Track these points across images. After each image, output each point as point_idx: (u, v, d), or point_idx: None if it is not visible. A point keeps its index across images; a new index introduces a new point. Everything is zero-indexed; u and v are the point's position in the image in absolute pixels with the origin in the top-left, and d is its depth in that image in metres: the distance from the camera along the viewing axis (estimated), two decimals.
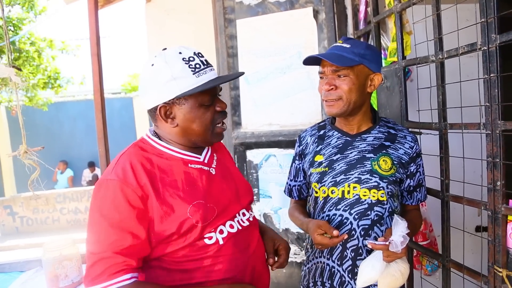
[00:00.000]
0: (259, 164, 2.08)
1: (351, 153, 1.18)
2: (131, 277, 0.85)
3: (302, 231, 1.96)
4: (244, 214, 1.02)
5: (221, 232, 0.93)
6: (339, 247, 1.16)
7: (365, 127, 1.21)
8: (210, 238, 0.91)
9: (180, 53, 0.90)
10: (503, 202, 1.07)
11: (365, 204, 1.14)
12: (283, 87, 2.00)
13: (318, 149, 1.23)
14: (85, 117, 8.87)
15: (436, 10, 1.28)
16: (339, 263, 1.16)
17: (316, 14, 1.92)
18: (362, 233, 1.14)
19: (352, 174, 1.15)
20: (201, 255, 0.90)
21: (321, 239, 1.07)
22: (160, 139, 0.97)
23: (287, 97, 2.00)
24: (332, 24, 1.89)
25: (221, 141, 1.07)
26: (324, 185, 1.18)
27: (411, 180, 1.22)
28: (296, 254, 2.03)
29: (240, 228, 0.98)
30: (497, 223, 1.08)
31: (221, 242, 0.92)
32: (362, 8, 1.87)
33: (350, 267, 1.15)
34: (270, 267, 1.07)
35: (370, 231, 1.14)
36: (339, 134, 1.22)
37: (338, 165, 1.17)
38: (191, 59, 0.90)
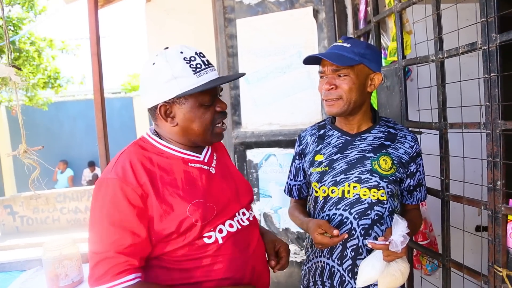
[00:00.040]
0: (259, 164, 2.08)
1: (351, 152, 1.18)
2: (135, 277, 0.85)
3: (302, 231, 1.96)
4: (244, 214, 1.02)
5: (221, 231, 0.93)
6: (339, 246, 1.16)
7: (365, 127, 1.21)
8: (210, 237, 0.91)
9: (181, 52, 0.90)
10: (503, 201, 1.07)
11: (365, 203, 1.14)
12: (283, 87, 2.00)
13: (318, 148, 1.23)
14: (85, 116, 8.87)
15: (436, 10, 1.28)
16: (339, 262, 1.16)
17: (316, 13, 1.92)
18: (362, 232, 1.14)
19: (352, 174, 1.15)
20: (200, 254, 0.90)
21: (321, 239, 1.07)
22: (160, 138, 0.97)
23: (287, 97, 2.00)
24: (332, 24, 1.89)
25: (221, 141, 1.07)
26: (324, 184, 1.18)
27: (411, 180, 1.22)
28: (296, 253, 2.03)
29: (239, 227, 0.98)
30: (497, 222, 1.08)
31: (220, 241, 0.92)
32: (362, 7, 1.86)
33: (350, 267, 1.15)
34: (271, 269, 1.07)
35: (370, 231, 1.14)
36: (339, 133, 1.22)
37: (338, 164, 1.17)
38: (192, 58, 0.90)
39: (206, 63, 0.93)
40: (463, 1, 1.28)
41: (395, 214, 1.05)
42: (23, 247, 5.55)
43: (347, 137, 1.20)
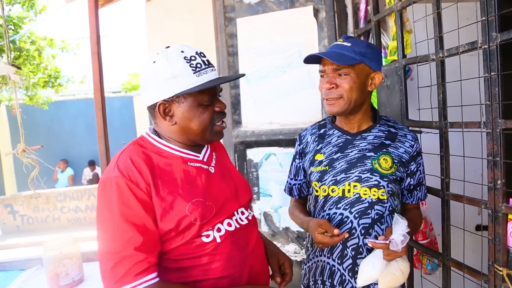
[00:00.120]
0: (259, 163, 2.08)
1: (351, 151, 1.18)
2: (156, 276, 0.85)
3: (302, 230, 1.96)
4: (242, 213, 1.02)
5: (219, 230, 0.94)
6: (339, 245, 1.16)
7: (365, 126, 1.21)
8: (208, 236, 0.91)
9: (182, 51, 0.90)
10: (503, 201, 1.07)
11: (365, 202, 1.14)
12: (283, 86, 2.00)
13: (318, 147, 1.23)
14: (86, 116, 8.88)
15: (436, 9, 1.27)
16: (339, 261, 1.16)
17: (316, 12, 1.92)
18: (363, 231, 1.14)
19: (353, 173, 1.15)
20: (198, 253, 0.90)
21: (321, 238, 1.07)
22: (160, 137, 0.97)
23: (288, 96, 2.00)
24: (333, 23, 1.89)
25: (222, 140, 1.07)
26: (324, 183, 1.18)
27: (412, 179, 1.22)
28: (297, 252, 2.03)
29: (238, 226, 0.98)
30: (498, 221, 1.08)
31: (218, 240, 0.92)
32: (362, 6, 1.86)
33: (351, 266, 1.15)
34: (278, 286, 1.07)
35: (371, 230, 1.14)
36: (340, 132, 1.22)
37: (339, 163, 1.17)
38: (193, 58, 0.90)
39: (207, 63, 0.93)
40: (464, 0, 1.28)
41: (395, 213, 1.05)
42: (24, 246, 5.55)
43: (348, 136, 1.20)
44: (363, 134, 1.20)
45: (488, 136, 1.09)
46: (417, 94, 1.49)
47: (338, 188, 1.16)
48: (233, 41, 2.07)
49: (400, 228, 1.00)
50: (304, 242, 1.96)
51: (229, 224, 0.96)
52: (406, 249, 1.03)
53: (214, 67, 0.95)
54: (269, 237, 2.09)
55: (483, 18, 1.05)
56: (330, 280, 1.18)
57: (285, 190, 1.39)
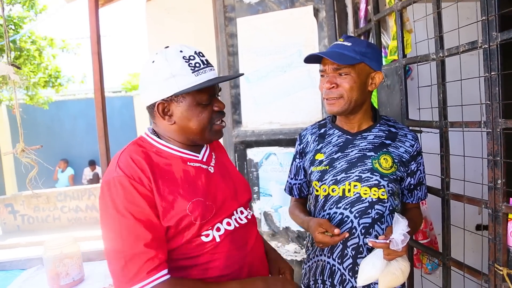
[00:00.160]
0: (260, 163, 2.08)
1: (351, 151, 1.18)
2: (167, 272, 0.84)
3: (302, 229, 1.97)
4: (242, 212, 1.03)
5: (218, 229, 0.94)
6: (339, 245, 1.16)
7: (365, 126, 1.21)
8: (207, 235, 0.92)
9: (181, 51, 0.91)
10: (503, 200, 1.07)
11: (365, 202, 1.14)
12: (283, 86, 2.00)
13: (318, 147, 1.23)
14: (86, 115, 8.88)
15: (436, 8, 1.27)
16: (339, 261, 1.16)
17: (316, 12, 1.92)
18: (363, 231, 1.14)
19: (353, 173, 1.15)
20: (197, 253, 0.90)
21: (322, 237, 1.07)
22: (159, 137, 0.98)
23: (288, 96, 2.00)
24: (333, 23, 1.89)
25: (222, 139, 1.07)
26: (324, 183, 1.18)
27: (412, 179, 1.22)
28: (297, 252, 2.03)
29: (237, 225, 0.98)
30: (498, 221, 1.08)
31: (217, 239, 0.92)
32: (362, 6, 1.86)
33: (351, 265, 1.15)
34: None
35: (371, 229, 1.14)
36: (340, 132, 1.22)
37: (339, 163, 1.17)
38: (191, 58, 0.91)
39: (205, 62, 0.93)
40: None
41: (395, 213, 1.05)
42: (24, 246, 5.56)
43: (348, 136, 1.20)
44: (363, 134, 1.20)
45: (489, 136, 1.09)
46: (417, 94, 1.49)
47: (339, 188, 1.16)
48: (233, 41, 2.07)
49: (400, 227, 1.00)
50: (304, 242, 1.96)
51: (229, 224, 0.96)
52: (406, 249, 1.03)
53: (212, 66, 0.95)
54: (270, 237, 2.09)
55: (483, 18, 1.05)
56: (330, 280, 1.18)
57: (285, 189, 1.39)
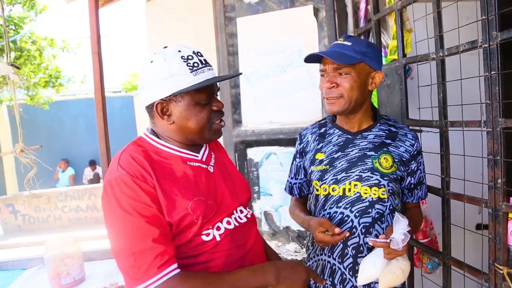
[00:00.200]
0: (260, 162, 2.09)
1: (352, 151, 1.18)
2: (177, 266, 0.84)
3: (302, 229, 1.97)
4: (241, 211, 1.03)
5: (218, 228, 0.94)
6: (340, 244, 1.16)
7: (366, 125, 1.21)
8: (208, 235, 0.92)
9: (179, 51, 0.91)
10: (503, 199, 1.07)
11: (366, 202, 1.14)
12: (283, 85, 2.00)
13: (319, 147, 1.23)
14: (86, 115, 8.89)
15: (436, 8, 1.27)
16: (340, 260, 1.16)
17: (316, 12, 1.92)
18: (363, 230, 1.14)
19: (353, 172, 1.15)
20: (198, 252, 0.91)
21: (322, 237, 1.07)
22: (158, 137, 0.98)
23: (288, 95, 2.00)
24: (333, 22, 1.89)
25: (222, 139, 1.07)
26: (325, 183, 1.19)
27: (412, 178, 1.23)
28: (297, 251, 2.03)
29: (237, 224, 0.98)
30: (498, 220, 1.08)
31: (218, 238, 0.93)
32: (362, 6, 1.86)
33: (351, 265, 1.15)
34: None
35: (371, 229, 1.14)
36: (340, 132, 1.22)
37: (339, 163, 1.17)
38: (190, 57, 0.91)
39: (204, 62, 0.93)
40: None
41: (396, 212, 1.05)
42: (25, 246, 5.57)
43: (348, 136, 1.21)
44: (363, 133, 1.20)
45: (489, 135, 1.09)
46: (417, 93, 1.49)
47: (339, 187, 1.16)
48: (233, 41, 2.07)
49: (401, 226, 1.00)
50: (305, 241, 1.96)
51: (229, 223, 0.97)
52: (406, 248, 1.04)
53: (211, 66, 0.95)
54: (270, 236, 2.09)
55: (483, 17, 1.05)
56: (330, 279, 1.18)
57: (285, 189, 1.40)
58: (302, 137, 1.31)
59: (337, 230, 1.06)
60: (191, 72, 0.89)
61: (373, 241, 1.04)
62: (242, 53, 2.05)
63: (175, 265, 0.84)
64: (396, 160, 1.17)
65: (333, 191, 1.17)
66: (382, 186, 1.14)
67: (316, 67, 1.21)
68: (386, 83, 1.64)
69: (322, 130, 1.27)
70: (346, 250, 1.15)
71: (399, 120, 1.37)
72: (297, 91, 1.97)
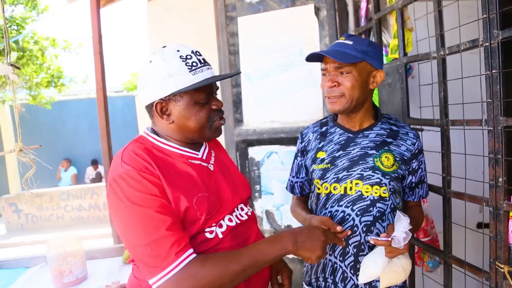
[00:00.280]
0: (261, 161, 2.09)
1: (353, 149, 1.18)
2: (193, 251, 0.85)
3: None
4: (242, 209, 1.04)
5: (221, 226, 0.95)
6: None
7: (367, 124, 1.21)
8: (211, 232, 0.92)
9: (178, 51, 0.91)
10: (504, 198, 1.07)
11: (367, 200, 1.15)
12: (284, 84, 2.00)
13: (320, 145, 1.24)
14: (88, 115, 8.91)
15: (437, 7, 1.27)
16: (341, 259, 1.17)
17: (317, 11, 1.92)
18: (364, 229, 1.14)
19: (355, 171, 1.16)
20: (201, 249, 0.91)
21: None
22: (158, 136, 0.98)
23: (289, 94, 2.00)
24: (333, 21, 1.89)
25: (223, 138, 1.08)
26: (326, 181, 1.19)
27: (413, 177, 1.23)
28: None
29: (238, 222, 0.99)
30: (499, 219, 1.08)
31: (220, 236, 0.93)
32: (363, 5, 1.86)
33: (352, 263, 1.15)
34: None
35: (372, 227, 1.14)
36: (342, 130, 1.22)
37: (341, 161, 1.18)
38: (189, 57, 0.91)
39: (202, 61, 0.93)
40: None
41: (397, 211, 1.05)
42: (28, 244, 5.60)
43: (349, 134, 1.21)
44: (364, 132, 1.20)
45: (490, 134, 1.09)
46: (418, 92, 1.49)
47: (340, 186, 1.17)
48: (234, 40, 2.07)
49: (402, 225, 1.00)
50: None
51: (230, 220, 0.98)
52: (408, 247, 1.04)
53: (210, 65, 0.95)
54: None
55: (484, 16, 1.05)
56: (332, 277, 1.19)
57: (287, 188, 1.40)
58: (304, 136, 1.31)
59: (338, 228, 1.06)
60: (190, 71, 0.90)
61: (374, 239, 1.04)
62: (243, 53, 2.06)
63: (192, 250, 0.84)
64: (398, 158, 1.17)
65: (334, 189, 1.17)
66: (384, 184, 1.14)
67: (317, 66, 1.22)
68: (387, 82, 1.64)
69: (324, 129, 1.27)
70: (347, 249, 1.16)
71: (400, 119, 1.37)
72: (298, 90, 1.98)
